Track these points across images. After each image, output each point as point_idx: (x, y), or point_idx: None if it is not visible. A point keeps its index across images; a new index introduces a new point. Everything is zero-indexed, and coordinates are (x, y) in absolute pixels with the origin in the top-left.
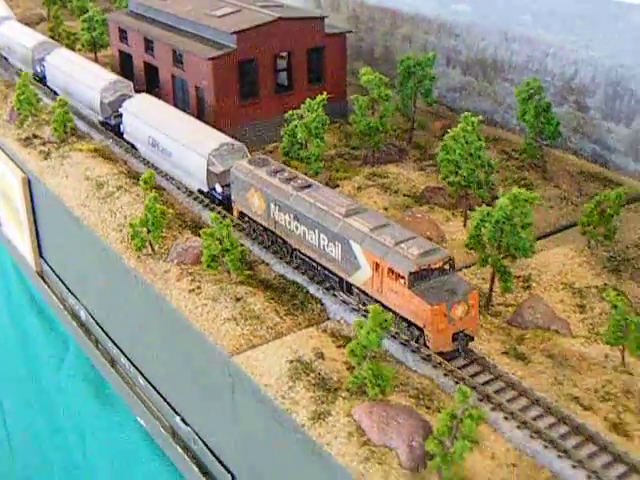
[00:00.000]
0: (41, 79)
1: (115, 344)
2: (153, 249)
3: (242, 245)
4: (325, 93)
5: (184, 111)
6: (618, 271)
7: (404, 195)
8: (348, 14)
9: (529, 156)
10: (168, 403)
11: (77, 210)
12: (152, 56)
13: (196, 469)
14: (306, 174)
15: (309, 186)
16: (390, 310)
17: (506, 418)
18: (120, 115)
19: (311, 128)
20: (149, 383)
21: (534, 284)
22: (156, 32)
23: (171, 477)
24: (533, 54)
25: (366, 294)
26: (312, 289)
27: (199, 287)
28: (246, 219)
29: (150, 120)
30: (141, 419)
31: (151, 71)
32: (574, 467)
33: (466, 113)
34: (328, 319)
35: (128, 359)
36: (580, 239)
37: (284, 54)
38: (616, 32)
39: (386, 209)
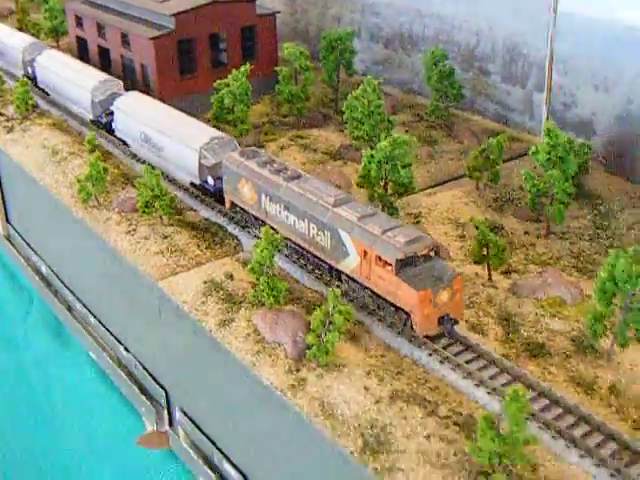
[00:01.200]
0: (32, 80)
1: (70, 290)
2: (98, 201)
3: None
4: (249, 65)
5: (133, 87)
6: (501, 209)
7: (322, 153)
8: None
9: (436, 117)
10: (113, 335)
11: (35, 174)
12: (104, 39)
13: (137, 390)
14: (236, 137)
15: (298, 177)
16: (378, 296)
17: (380, 320)
18: (111, 113)
19: (236, 94)
20: (98, 321)
21: (423, 219)
22: (107, 18)
23: (118, 401)
24: (442, 27)
25: (355, 280)
26: (230, 228)
27: (135, 229)
28: (238, 209)
29: (141, 117)
30: (93, 354)
31: (104, 53)
32: (430, 355)
33: (368, 77)
34: (242, 251)
35: (80, 302)
36: (472, 184)
37: (222, 33)
38: (510, 3)
39: (304, 164)
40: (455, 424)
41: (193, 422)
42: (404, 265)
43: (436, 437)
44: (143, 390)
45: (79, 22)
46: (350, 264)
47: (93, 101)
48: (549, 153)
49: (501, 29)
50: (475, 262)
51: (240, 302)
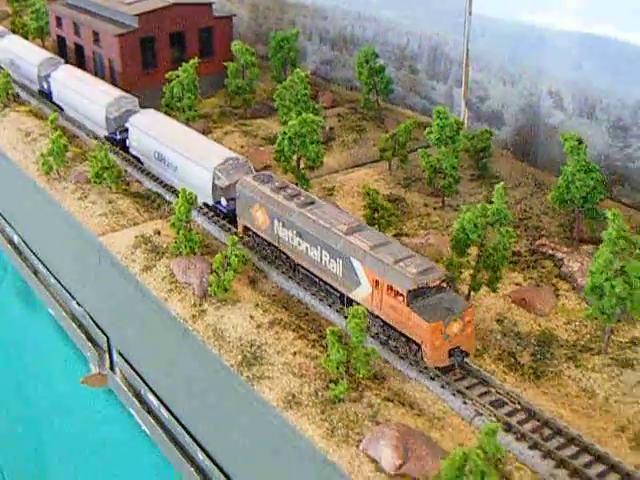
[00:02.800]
0: (47, 95)
1: (36, 256)
2: (59, 174)
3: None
4: (197, 59)
5: (102, 79)
6: (408, 186)
7: (261, 138)
8: (250, 4)
9: (367, 109)
10: (67, 291)
11: (8, 152)
12: (79, 37)
13: (84, 337)
14: (185, 123)
15: (312, 203)
16: (390, 326)
17: (277, 267)
18: (125, 130)
19: (184, 85)
20: (56, 280)
21: (335, 192)
22: (82, 18)
23: (70, 349)
24: (379, 29)
25: (366, 310)
26: (167, 196)
27: (86, 196)
28: (250, 233)
29: (156, 135)
30: (52, 310)
31: (79, 50)
32: (315, 296)
33: (297, 69)
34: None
35: (44, 265)
36: (387, 166)
37: (181, 33)
38: (434, 7)
39: (242, 147)
40: (321, 346)
41: (127, 361)
42: (415, 296)
43: (301, 354)
44: (89, 337)
45: (59, 22)
46: (362, 293)
47: (108, 118)
48: (440, 133)
49: (426, 31)
50: (368, 224)
51: (163, 252)
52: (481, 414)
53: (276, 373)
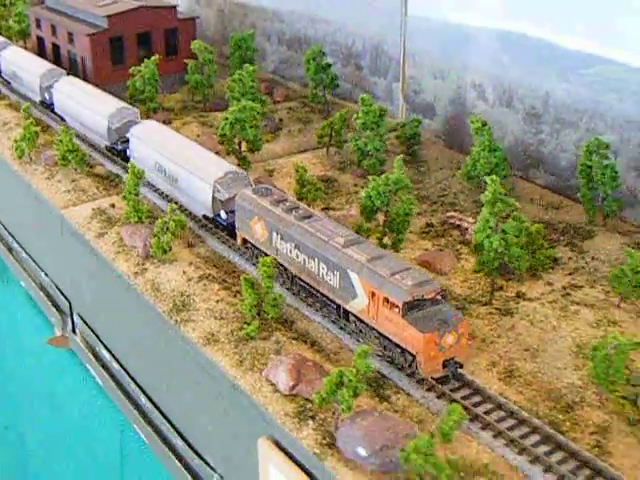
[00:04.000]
0: (48, 106)
1: (10, 234)
2: (30, 158)
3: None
4: (158, 55)
5: (75, 76)
6: (342, 169)
7: (216, 128)
8: (217, 8)
9: (315, 102)
10: (36, 263)
11: None
12: (56, 37)
13: (50, 304)
14: (146, 114)
15: (310, 216)
16: (385, 337)
17: (211, 233)
18: (127, 140)
19: (146, 79)
20: (27, 254)
21: (275, 173)
22: (58, 19)
23: (38, 316)
24: (328, 31)
25: (362, 321)
26: (124, 177)
27: (53, 176)
28: (249, 246)
29: (157, 146)
30: (23, 283)
31: (56, 49)
32: (242, 257)
33: (246, 65)
34: None
35: (17, 242)
36: (325, 151)
37: (148, 33)
38: (376, 10)
39: (198, 135)
40: (241, 294)
41: (85, 322)
42: (411, 308)
43: (224, 302)
44: (54, 304)
45: (38, 24)
46: (358, 305)
47: (109, 128)
48: (365, 118)
49: (369, 31)
50: (297, 199)
51: (115, 222)
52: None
53: (200, 317)
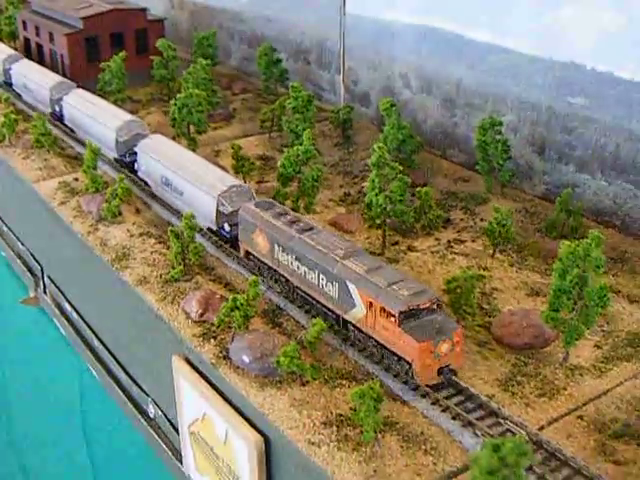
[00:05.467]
0: (59, 118)
1: None
2: (10, 142)
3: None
4: (125, 52)
5: (57, 72)
6: (281, 150)
7: None
8: (188, 11)
9: (267, 93)
10: (14, 234)
11: None
12: (39, 37)
13: (25, 269)
14: (115, 104)
15: (311, 229)
16: (383, 346)
17: (153, 196)
18: (134, 153)
19: (114, 73)
20: (7, 227)
21: (221, 154)
22: (41, 21)
23: (16, 281)
24: (282, 29)
25: (360, 330)
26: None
27: (28, 157)
28: (252, 257)
29: (163, 160)
30: (4, 253)
31: (40, 48)
32: (179, 219)
33: (200, 59)
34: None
35: (2, 220)
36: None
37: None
38: (321, 10)
39: (159, 121)
40: None
41: (52, 282)
42: (407, 317)
43: (157, 253)
44: (29, 268)
45: (25, 26)
46: (356, 314)
47: (118, 140)
48: (295, 104)
49: (315, 29)
50: (235, 172)
51: (77, 192)
52: (270, 286)
53: (136, 264)
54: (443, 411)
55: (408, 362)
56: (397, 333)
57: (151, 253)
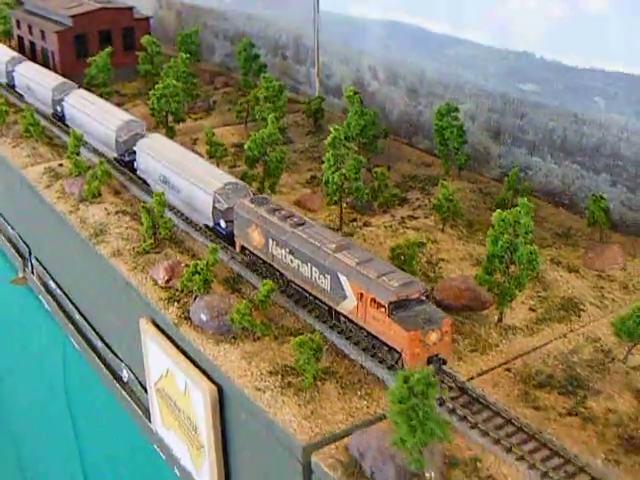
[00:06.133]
0: (60, 118)
1: None
2: (1, 132)
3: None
4: (111, 48)
5: (48, 68)
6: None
7: None
8: (176, 10)
9: (246, 87)
10: (5, 219)
11: None
12: (32, 35)
13: (14, 251)
14: (101, 95)
15: (303, 224)
16: (373, 336)
17: (133, 182)
18: (134, 152)
19: (99, 67)
20: None
21: (199, 142)
22: (34, 20)
23: (7, 265)
24: (261, 26)
25: (352, 321)
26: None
27: (18, 145)
28: (247, 252)
29: (161, 159)
30: None
31: (32, 46)
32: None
33: (181, 54)
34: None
35: None
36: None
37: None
38: (298, 8)
39: (142, 113)
40: None
41: (39, 262)
42: (396, 307)
43: (131, 228)
44: (18, 251)
45: (19, 25)
46: (348, 306)
47: (117, 140)
48: (266, 93)
49: (292, 25)
50: (209, 157)
51: (61, 177)
52: (234, 256)
53: (111, 239)
54: (380, 362)
55: (398, 351)
56: (387, 323)
57: (126, 229)
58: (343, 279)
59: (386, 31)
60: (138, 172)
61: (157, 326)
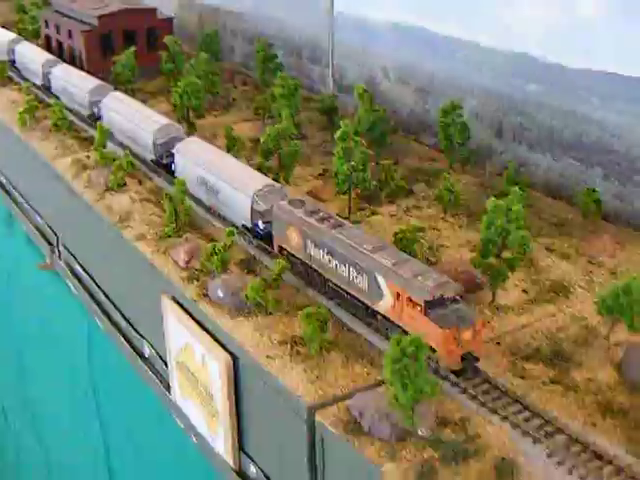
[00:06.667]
0: (97, 119)
1: (14, 188)
2: (32, 127)
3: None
4: (134, 48)
5: (74, 65)
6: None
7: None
8: (197, 12)
9: (264, 86)
10: (29, 204)
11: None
12: (60, 35)
13: (42, 238)
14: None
15: (341, 225)
16: (408, 334)
17: (154, 170)
18: (171, 155)
19: (125, 65)
20: (27, 202)
21: (218, 136)
22: (61, 20)
23: (33, 248)
24: (280, 28)
25: (388, 320)
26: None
27: (47, 138)
28: (285, 253)
29: (200, 161)
30: (25, 226)
31: (60, 45)
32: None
33: (202, 53)
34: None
35: (15, 189)
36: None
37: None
38: (315, 10)
39: (163, 108)
40: None
41: (66, 248)
42: (432, 306)
43: (154, 215)
44: (46, 239)
45: (47, 24)
46: (384, 305)
47: (155, 143)
48: (282, 91)
49: (309, 27)
50: (227, 150)
51: (88, 168)
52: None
53: (136, 224)
54: (381, 335)
55: (433, 349)
56: (423, 321)
57: (149, 215)
58: (380, 279)
59: (397, 33)
60: (176, 174)
61: (177, 303)
